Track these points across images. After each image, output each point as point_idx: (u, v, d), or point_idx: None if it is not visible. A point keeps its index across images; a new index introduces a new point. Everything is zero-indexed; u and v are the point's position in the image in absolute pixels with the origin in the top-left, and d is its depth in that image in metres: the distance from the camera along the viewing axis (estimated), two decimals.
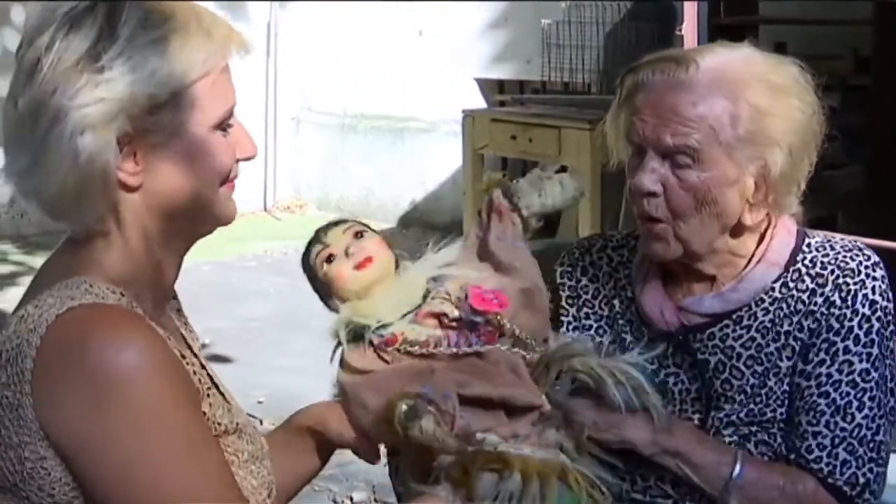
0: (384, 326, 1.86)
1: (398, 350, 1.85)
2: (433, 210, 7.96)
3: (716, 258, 2.03)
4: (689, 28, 4.86)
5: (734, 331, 2.02)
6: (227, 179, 1.64)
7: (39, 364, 1.49)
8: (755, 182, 1.96)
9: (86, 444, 1.47)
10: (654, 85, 1.97)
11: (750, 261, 2.04)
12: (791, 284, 2.01)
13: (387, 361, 1.85)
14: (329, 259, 1.93)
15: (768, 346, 2.00)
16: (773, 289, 2.02)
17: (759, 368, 1.99)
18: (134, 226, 1.60)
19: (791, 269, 2.02)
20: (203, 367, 1.69)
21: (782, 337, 1.99)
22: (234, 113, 1.64)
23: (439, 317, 1.87)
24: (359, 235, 1.94)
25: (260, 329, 5.98)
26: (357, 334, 1.87)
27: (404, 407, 1.73)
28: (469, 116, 6.57)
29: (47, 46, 1.54)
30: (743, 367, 2.00)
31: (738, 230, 2.01)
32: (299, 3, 8.53)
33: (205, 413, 1.59)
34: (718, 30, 6.02)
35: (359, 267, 1.91)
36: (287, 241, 7.21)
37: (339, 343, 1.88)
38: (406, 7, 7.99)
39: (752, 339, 2.01)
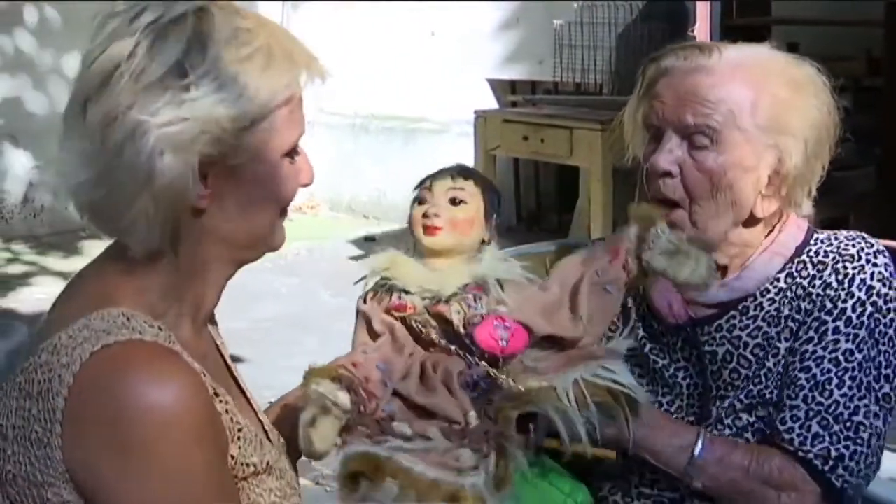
0: (407, 292, 1.89)
1: (403, 318, 1.88)
2: None
3: (728, 249, 2.04)
4: (701, 29, 4.85)
5: (741, 321, 2.03)
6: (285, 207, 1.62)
7: (71, 404, 1.43)
8: (769, 174, 1.97)
9: (110, 490, 1.42)
10: (676, 70, 1.99)
11: (756, 251, 2.05)
12: (795, 274, 2.02)
13: (393, 318, 1.89)
14: (421, 201, 1.96)
15: (771, 332, 2.01)
16: (777, 279, 2.03)
17: (762, 353, 2.00)
18: (190, 249, 1.56)
19: (796, 261, 2.03)
20: (241, 391, 1.69)
21: (782, 321, 2.00)
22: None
23: (446, 320, 1.88)
24: (455, 202, 1.95)
25: (271, 329, 5.98)
26: (383, 284, 1.91)
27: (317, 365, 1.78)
28: (481, 117, 6.56)
29: (129, 55, 1.47)
30: (750, 356, 2.01)
31: (750, 222, 2.02)
32: (311, 4, 8.54)
33: (233, 457, 1.55)
34: (731, 30, 6.01)
35: (426, 230, 1.93)
36: (299, 241, 7.22)
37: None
38: (418, 8, 7.99)
39: (759, 328, 2.01)
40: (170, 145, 1.46)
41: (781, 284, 2.03)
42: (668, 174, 1.96)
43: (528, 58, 7.58)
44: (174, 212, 1.51)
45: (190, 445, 1.43)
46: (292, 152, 1.59)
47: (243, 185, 1.54)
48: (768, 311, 2.02)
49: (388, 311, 1.89)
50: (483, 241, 1.97)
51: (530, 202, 7.91)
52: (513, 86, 7.76)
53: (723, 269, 2.06)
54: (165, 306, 1.55)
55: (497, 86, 7.81)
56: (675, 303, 2.07)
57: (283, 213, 1.62)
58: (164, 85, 1.46)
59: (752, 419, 1.99)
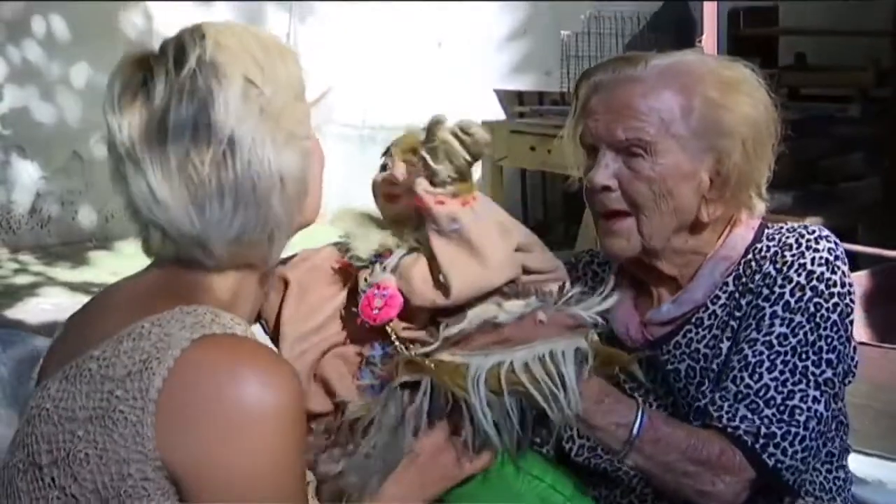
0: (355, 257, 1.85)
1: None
2: None
3: (676, 258, 2.03)
4: (708, 39, 4.86)
5: (697, 333, 2.02)
6: None
7: (171, 385, 1.47)
8: (710, 177, 1.97)
9: (205, 475, 1.46)
10: (606, 84, 2.00)
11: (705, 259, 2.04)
12: (742, 275, 2.01)
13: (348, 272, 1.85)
14: (383, 167, 1.91)
15: (724, 339, 1.99)
16: (726, 283, 2.02)
17: (720, 362, 1.98)
18: (269, 245, 1.62)
19: (743, 262, 2.02)
20: None
21: (728, 322, 1.99)
22: None
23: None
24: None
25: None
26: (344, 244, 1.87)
27: None
28: (488, 127, 6.57)
29: (208, 96, 1.53)
30: (714, 367, 1.99)
31: (696, 227, 2.01)
32: (318, 15, 8.55)
33: None
34: (739, 40, 6.02)
35: (386, 197, 1.89)
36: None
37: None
38: (425, 18, 8.01)
39: (715, 336, 2.00)
40: (283, 142, 1.56)
41: (730, 288, 2.01)
42: (607, 188, 1.97)
43: (536, 68, 7.58)
44: (297, 207, 1.60)
45: (291, 440, 1.49)
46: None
47: (312, 159, 1.62)
48: (721, 318, 2.00)
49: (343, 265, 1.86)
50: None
51: (537, 213, 7.91)
52: (520, 96, 7.76)
53: (673, 282, 2.05)
54: (233, 309, 1.59)
55: (504, 96, 7.82)
56: (633, 327, 2.06)
57: None
58: (247, 102, 1.54)
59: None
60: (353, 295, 1.85)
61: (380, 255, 1.84)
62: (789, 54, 6.80)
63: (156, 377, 1.48)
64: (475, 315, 1.77)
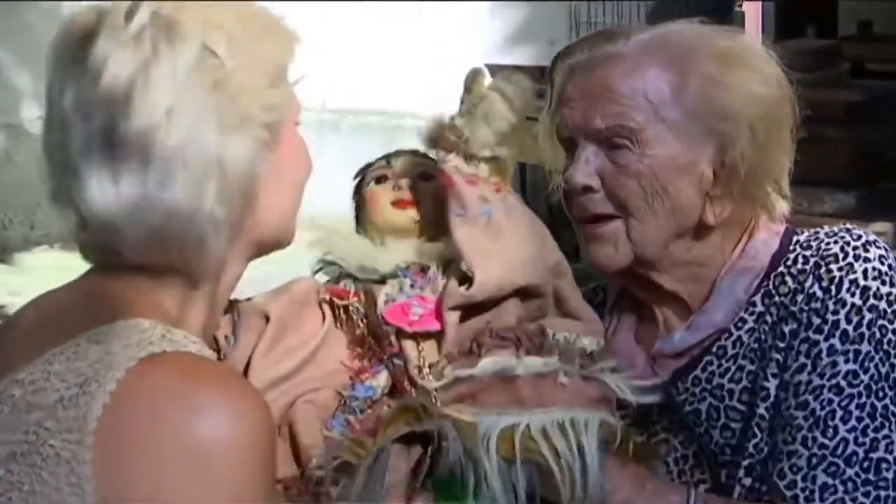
0: (352, 278, 1.91)
1: (331, 304, 1.90)
2: None
3: (678, 270, 2.02)
4: (751, 3, 4.88)
5: (720, 365, 2.00)
6: None
7: (114, 413, 1.47)
8: (713, 170, 1.96)
9: None
10: (582, 66, 2.01)
11: (720, 272, 2.03)
12: (774, 292, 1.99)
13: (328, 304, 1.89)
14: (379, 180, 1.99)
15: (757, 371, 1.98)
16: (754, 303, 2.00)
17: (751, 399, 1.97)
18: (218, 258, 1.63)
19: (773, 276, 2.00)
20: None
21: (766, 353, 1.97)
22: None
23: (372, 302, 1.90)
24: (425, 178, 1.97)
25: None
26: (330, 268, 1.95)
27: None
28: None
29: (148, 59, 1.54)
30: (739, 406, 1.98)
31: (701, 232, 2.00)
32: None
33: None
34: (788, 5, 6.05)
35: (396, 204, 1.97)
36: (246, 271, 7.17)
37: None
38: None
39: (741, 368, 1.99)
40: (234, 126, 1.56)
41: (759, 308, 2.00)
42: (588, 189, 1.96)
43: (537, 39, 7.60)
44: (243, 210, 1.59)
45: (257, 480, 1.49)
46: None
47: (276, 166, 1.62)
48: (748, 346, 1.99)
49: (329, 301, 1.91)
50: None
51: (541, 215, 7.90)
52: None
53: (679, 302, 2.04)
54: (181, 322, 1.60)
55: (498, 72, 7.83)
56: (640, 362, 2.04)
57: None
58: (200, 71, 1.55)
59: (751, 481, 1.95)
60: (335, 329, 1.88)
61: (406, 270, 1.90)
62: (851, 22, 6.83)
63: (95, 403, 1.47)
64: (490, 363, 1.79)
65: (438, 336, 1.84)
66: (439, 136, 1.93)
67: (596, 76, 1.97)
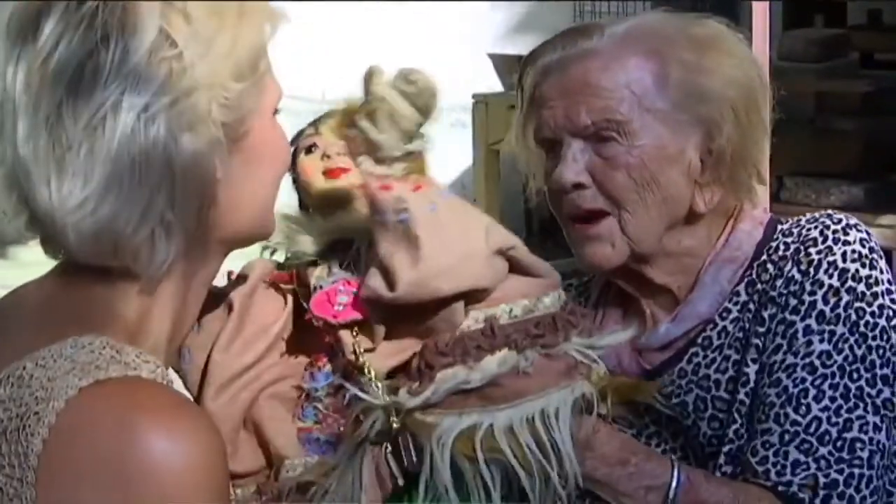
0: (299, 260, 1.86)
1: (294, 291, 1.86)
2: None
3: (669, 263, 2.04)
4: None
5: (705, 356, 2.02)
6: None
7: (54, 446, 1.42)
8: (701, 157, 1.98)
9: None
10: (557, 64, 2.02)
11: (704, 263, 2.05)
12: (756, 280, 2.02)
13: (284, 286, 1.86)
14: (309, 149, 1.92)
15: (739, 358, 1.99)
16: (738, 293, 2.03)
17: (735, 388, 1.99)
18: (186, 254, 1.56)
19: (756, 265, 2.03)
20: None
21: (748, 340, 1.99)
22: None
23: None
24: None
25: None
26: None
27: None
28: (481, 103, 6.57)
29: (102, 40, 1.48)
30: (726, 395, 2.00)
31: (692, 221, 2.02)
32: None
33: None
34: None
35: (327, 173, 1.89)
36: (243, 260, 7.18)
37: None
38: None
39: (727, 358, 2.01)
40: (186, 124, 1.49)
41: (743, 298, 2.02)
42: (579, 186, 1.97)
43: (541, 28, 7.57)
44: (197, 210, 1.53)
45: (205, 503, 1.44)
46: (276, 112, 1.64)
47: (245, 159, 1.58)
48: (735, 336, 2.01)
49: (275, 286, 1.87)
50: None
51: (543, 210, 7.87)
52: (521, 62, 7.76)
53: (668, 294, 2.06)
54: (145, 331, 1.56)
55: (501, 63, 7.82)
56: (625, 357, 2.06)
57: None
58: (153, 60, 1.49)
59: (731, 467, 1.96)
60: (296, 315, 1.84)
61: (335, 245, 1.85)
62: (861, 11, 6.81)
63: (35, 438, 1.43)
64: (442, 382, 1.76)
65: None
66: (346, 139, 1.86)
67: (574, 73, 1.99)
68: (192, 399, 1.56)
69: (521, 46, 7.74)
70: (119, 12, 1.49)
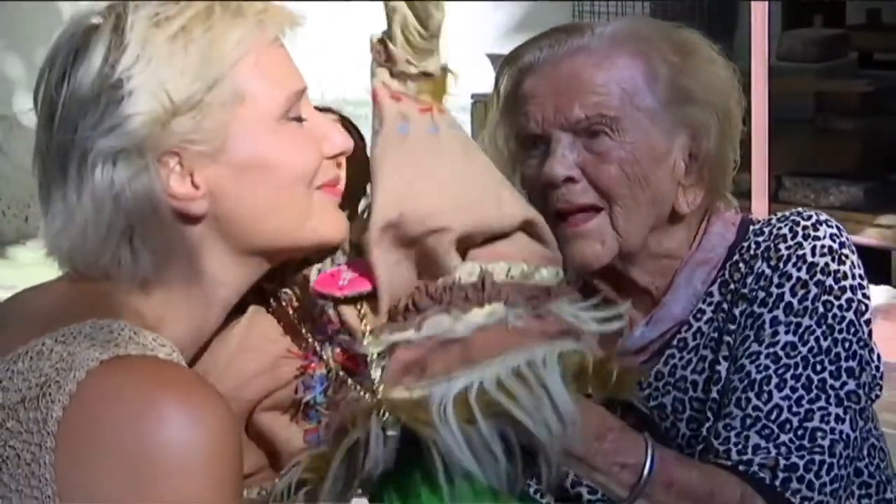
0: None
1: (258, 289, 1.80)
2: None
3: (650, 263, 2.04)
4: None
5: (682, 357, 2.03)
6: (320, 183, 1.65)
7: (73, 415, 1.46)
8: (684, 159, 1.99)
9: None
10: (545, 63, 2.01)
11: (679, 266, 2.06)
12: (729, 280, 2.03)
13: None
14: None
15: (719, 360, 2.00)
16: (711, 293, 2.03)
17: (716, 389, 1.99)
18: (193, 266, 1.60)
19: (729, 266, 2.03)
20: None
21: (721, 339, 2.00)
22: (304, 99, 1.67)
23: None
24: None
25: None
26: None
27: None
28: (479, 103, 6.58)
29: (57, 83, 1.56)
30: (703, 395, 2.00)
31: (673, 222, 2.03)
32: None
33: None
34: None
35: (325, 189, 1.84)
36: None
37: None
38: None
39: (703, 358, 2.01)
40: (120, 151, 1.53)
41: (716, 298, 2.03)
42: (570, 180, 1.97)
43: (540, 28, 7.54)
44: (159, 228, 1.56)
45: (222, 489, 1.47)
46: (292, 115, 1.64)
47: (235, 170, 1.59)
48: (710, 336, 2.02)
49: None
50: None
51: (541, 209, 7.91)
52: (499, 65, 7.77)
53: (646, 296, 2.06)
54: (161, 330, 1.58)
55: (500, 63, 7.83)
56: None
57: (324, 191, 1.65)
58: (95, 93, 1.53)
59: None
60: (262, 312, 1.79)
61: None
62: (860, 11, 6.81)
63: (54, 406, 1.46)
64: (426, 326, 1.67)
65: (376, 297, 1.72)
66: (373, 50, 1.84)
67: (566, 69, 1.99)
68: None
69: None
70: (73, 53, 1.55)
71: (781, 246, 1.98)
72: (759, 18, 4.90)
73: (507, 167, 2.02)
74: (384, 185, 1.68)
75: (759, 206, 5.18)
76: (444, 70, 1.79)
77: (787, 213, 2.01)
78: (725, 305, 2.01)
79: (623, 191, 1.96)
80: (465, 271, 1.69)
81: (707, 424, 1.98)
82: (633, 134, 1.96)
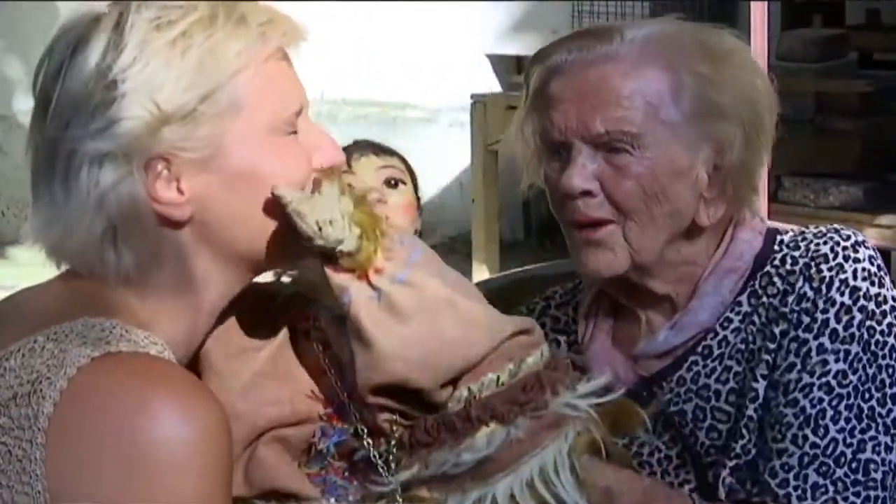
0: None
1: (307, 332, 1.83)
2: (434, 220, 7.93)
3: (669, 272, 2.03)
4: None
5: (705, 365, 2.02)
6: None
7: (64, 411, 1.47)
8: (708, 172, 1.98)
9: None
10: (573, 66, 1.99)
11: (704, 272, 2.05)
12: (761, 292, 2.02)
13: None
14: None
15: (744, 371, 1.99)
16: (739, 303, 2.02)
17: (738, 400, 1.99)
18: (181, 270, 1.62)
19: (759, 276, 2.03)
20: None
21: (755, 355, 1.99)
22: (302, 112, 1.67)
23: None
24: (391, 183, 1.91)
25: None
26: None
27: None
28: (479, 103, 6.56)
29: (54, 75, 1.57)
30: (726, 406, 2.00)
31: (693, 234, 2.02)
32: None
33: None
34: None
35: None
36: None
37: None
38: None
39: (728, 368, 2.01)
40: (107, 154, 1.54)
41: (745, 308, 2.02)
42: (587, 193, 1.96)
43: (539, 28, 7.58)
44: (141, 230, 1.57)
45: (212, 486, 1.48)
46: (286, 128, 1.64)
47: (225, 180, 1.60)
48: (734, 346, 2.01)
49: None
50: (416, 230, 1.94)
51: (541, 210, 7.89)
52: (519, 63, 7.75)
53: (667, 303, 2.05)
54: (151, 328, 1.60)
55: (499, 63, 7.81)
56: (619, 365, 2.06)
57: None
58: (89, 91, 1.55)
59: (735, 483, 1.96)
60: (299, 335, 1.81)
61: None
62: (859, 11, 6.81)
63: (45, 402, 1.47)
64: (432, 461, 1.74)
65: None
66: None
67: (591, 77, 1.97)
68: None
69: (520, 46, 7.74)
70: (72, 47, 1.57)
71: (823, 266, 1.96)
72: (759, 18, 4.88)
73: (534, 159, 2.04)
74: (356, 357, 1.70)
75: (759, 206, 5.17)
76: (365, 235, 1.72)
77: (824, 230, 2.00)
78: (756, 318, 1.99)
79: (638, 206, 1.95)
80: (455, 399, 1.73)
81: (742, 442, 1.96)
82: (654, 149, 1.94)
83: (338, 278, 1.71)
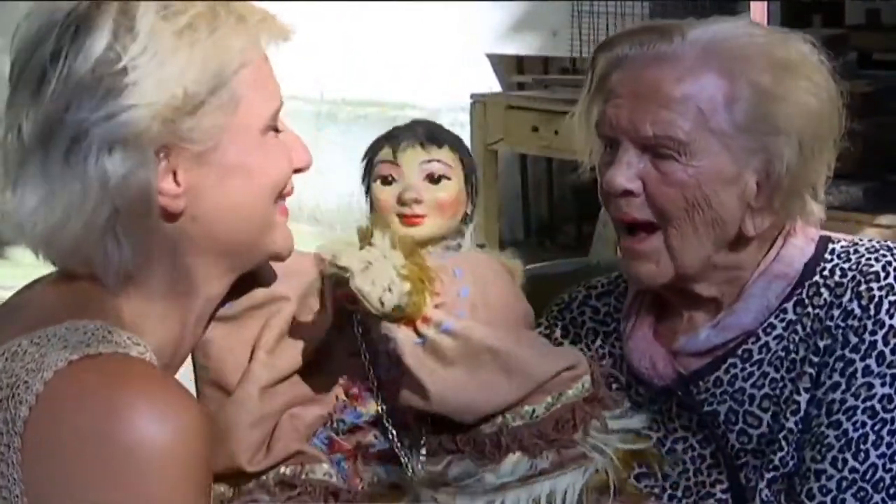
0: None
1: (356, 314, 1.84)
2: None
3: (715, 275, 2.02)
4: None
5: (743, 369, 2.01)
6: (281, 195, 1.68)
7: (39, 415, 1.47)
8: (757, 182, 1.96)
9: None
10: (632, 61, 1.99)
11: (752, 275, 2.03)
12: (807, 302, 2.00)
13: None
14: (385, 179, 1.90)
15: (783, 379, 1.99)
16: (784, 310, 2.01)
17: (775, 408, 1.98)
18: (171, 266, 1.62)
19: (808, 284, 2.01)
20: None
21: (797, 365, 1.98)
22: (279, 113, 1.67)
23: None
24: (434, 179, 1.90)
25: None
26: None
27: None
28: (479, 102, 6.56)
29: (53, 55, 1.55)
30: (759, 412, 1.99)
31: (739, 243, 2.00)
32: None
33: None
34: None
35: (405, 220, 1.88)
36: None
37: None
38: None
39: (765, 374, 2.00)
40: (118, 140, 1.53)
41: (790, 316, 2.00)
42: (629, 193, 1.95)
43: (539, 28, 7.58)
44: (143, 221, 1.57)
45: (188, 491, 1.47)
46: (272, 128, 1.66)
47: (220, 172, 1.61)
48: (775, 353, 2.00)
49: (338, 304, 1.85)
50: (465, 217, 1.94)
51: (541, 210, 7.90)
52: (520, 63, 7.76)
53: (712, 303, 2.04)
54: (137, 330, 1.59)
55: (500, 62, 7.81)
56: (659, 359, 2.05)
57: (282, 209, 1.69)
58: (96, 76, 1.54)
59: (771, 495, 1.96)
60: (342, 324, 1.84)
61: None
62: (859, 11, 6.81)
63: (22, 406, 1.47)
64: (455, 468, 1.81)
65: None
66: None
67: (647, 76, 1.95)
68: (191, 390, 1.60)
69: (520, 46, 7.75)
70: (73, 29, 1.55)
71: (874, 285, 1.95)
72: (759, 18, 4.88)
73: (596, 142, 2.03)
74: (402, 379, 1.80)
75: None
76: (414, 288, 1.78)
77: (877, 245, 2.00)
78: (800, 328, 1.98)
79: (679, 213, 1.93)
80: (490, 422, 1.81)
81: (780, 454, 1.96)
82: (700, 157, 1.92)
83: (384, 326, 1.78)
